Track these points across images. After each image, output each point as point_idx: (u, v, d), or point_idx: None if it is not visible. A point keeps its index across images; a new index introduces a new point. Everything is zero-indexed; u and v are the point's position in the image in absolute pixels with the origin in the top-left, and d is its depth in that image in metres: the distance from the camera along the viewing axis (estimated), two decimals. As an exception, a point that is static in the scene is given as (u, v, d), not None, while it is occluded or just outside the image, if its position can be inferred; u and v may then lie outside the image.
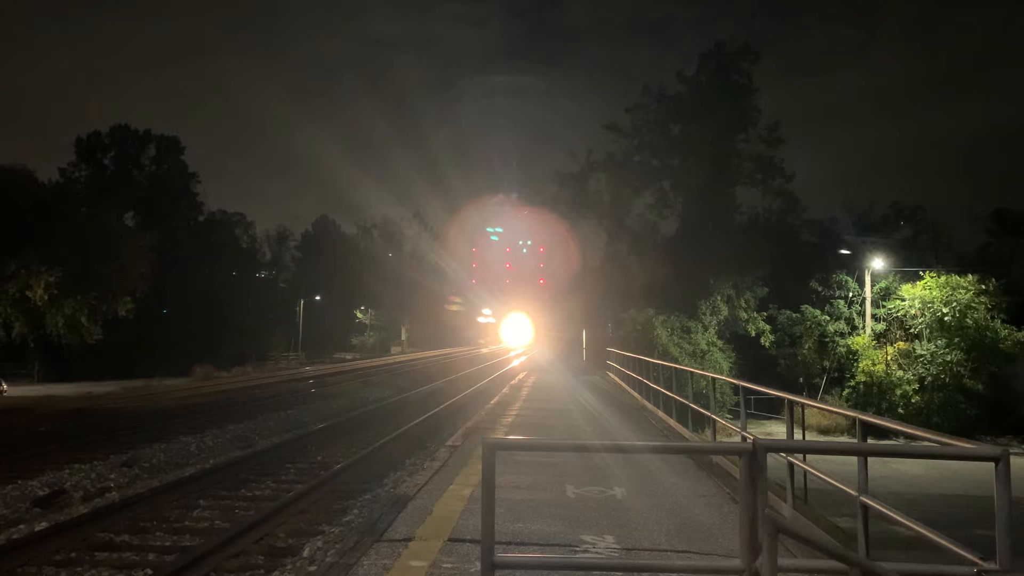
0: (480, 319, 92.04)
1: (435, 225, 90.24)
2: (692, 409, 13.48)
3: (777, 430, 28.27)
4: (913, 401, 35.08)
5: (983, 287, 35.75)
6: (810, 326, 42.06)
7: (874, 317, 40.50)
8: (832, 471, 6.18)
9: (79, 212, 46.24)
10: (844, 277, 42.80)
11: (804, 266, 45.07)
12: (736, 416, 11.11)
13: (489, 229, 67.08)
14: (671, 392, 15.70)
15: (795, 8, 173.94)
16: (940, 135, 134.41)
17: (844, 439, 25.83)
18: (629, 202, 49.86)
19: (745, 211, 48.90)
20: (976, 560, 3.82)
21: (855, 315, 42.17)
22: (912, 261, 42.59)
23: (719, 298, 42.28)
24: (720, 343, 41.62)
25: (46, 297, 39.05)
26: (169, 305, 52.65)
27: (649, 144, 48.68)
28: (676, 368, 16.60)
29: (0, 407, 22.54)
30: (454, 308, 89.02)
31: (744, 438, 8.89)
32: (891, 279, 41.13)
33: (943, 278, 36.53)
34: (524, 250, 61.09)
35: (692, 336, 40.54)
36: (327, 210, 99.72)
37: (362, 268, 78.47)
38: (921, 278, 37.49)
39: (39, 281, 38.65)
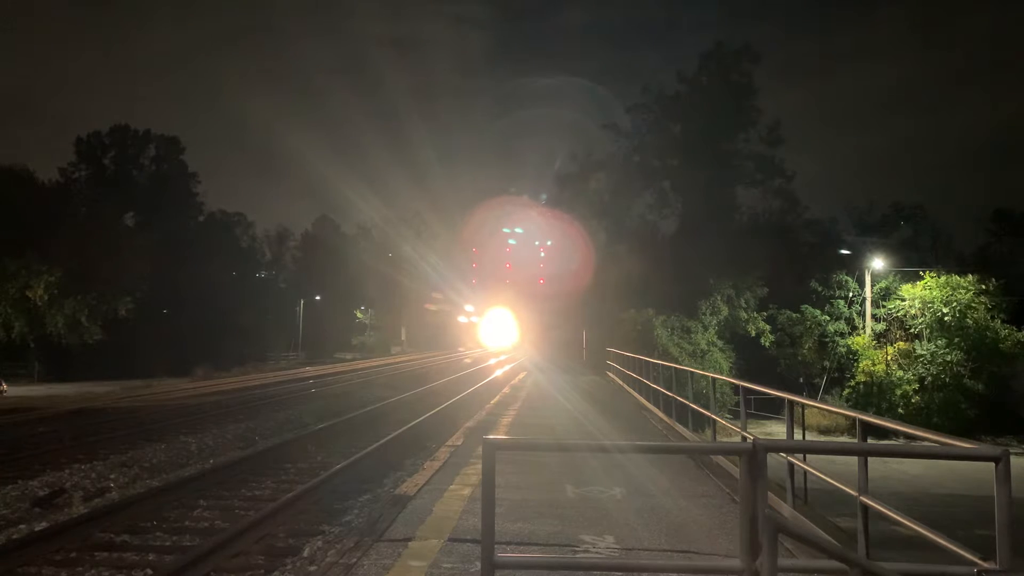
0: (461, 318, 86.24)
1: (434, 225, 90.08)
2: (692, 409, 13.47)
3: (777, 430, 28.26)
4: (913, 401, 35.09)
5: (983, 287, 35.77)
6: (810, 326, 42.06)
7: (874, 317, 40.50)
8: (832, 471, 6.18)
9: (79, 212, 46.40)
10: (844, 277, 42.81)
11: (804, 266, 45.08)
12: (736, 416, 11.11)
13: (506, 229, 66.03)
14: (671, 392, 15.69)
15: (795, 9, 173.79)
16: (941, 135, 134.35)
17: (844, 439, 25.83)
18: (629, 202, 49.91)
19: (745, 211, 48.99)
20: (976, 560, 3.82)
21: (855, 315, 42.17)
22: (912, 261, 42.63)
23: (719, 298, 42.27)
24: (720, 343, 41.62)
25: (46, 297, 39.14)
26: (169, 305, 52.64)
27: (649, 144, 48.71)
28: (676, 368, 16.58)
29: (0, 407, 22.55)
30: (436, 307, 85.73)
31: (744, 438, 8.89)
32: (891, 279, 41.13)
33: (943, 278, 36.54)
34: (542, 253, 60.41)
35: (692, 336, 40.53)
36: (327, 210, 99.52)
37: (361, 268, 78.39)
38: (921, 278, 37.49)
39: (39, 281, 38.73)
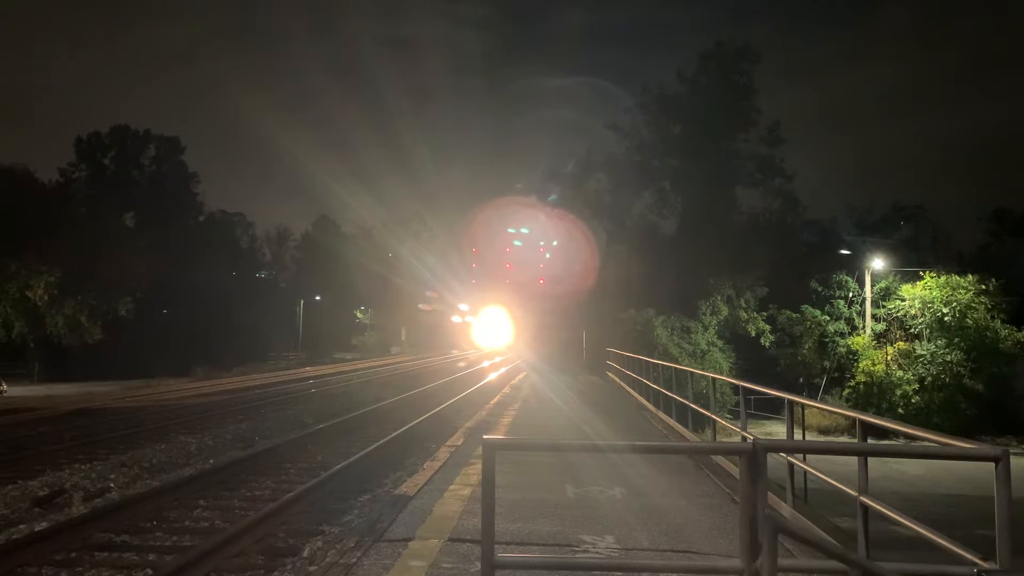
0: (455, 318, 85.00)
1: (433, 226, 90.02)
2: (692, 409, 13.48)
3: (777, 430, 28.26)
4: (913, 401, 35.09)
5: (983, 287, 35.78)
6: (810, 326, 42.08)
7: (874, 317, 40.52)
8: (832, 471, 6.18)
9: (79, 212, 46.36)
10: (844, 277, 42.83)
11: (804, 266, 45.10)
12: (736, 416, 11.11)
13: (511, 230, 65.43)
14: (671, 392, 15.70)
15: (795, 9, 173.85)
16: (941, 135, 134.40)
17: (844, 439, 25.84)
18: (629, 202, 49.94)
19: (745, 211, 49.00)
20: (976, 560, 3.82)
21: (855, 315, 42.19)
22: (912, 261, 42.62)
23: (719, 298, 42.29)
24: (720, 343, 41.65)
25: (46, 297, 39.13)
26: (169, 305, 52.62)
27: (649, 144, 48.74)
28: (676, 368, 16.60)
29: (0, 407, 22.54)
30: (431, 307, 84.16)
31: (744, 438, 8.89)
32: (891, 279, 41.15)
33: (943, 278, 36.55)
34: (547, 254, 59.89)
35: (692, 336, 40.56)
36: (327, 211, 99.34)
37: (361, 269, 78.36)
38: (921, 278, 37.50)
39: (39, 281, 38.72)
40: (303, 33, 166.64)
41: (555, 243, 57.33)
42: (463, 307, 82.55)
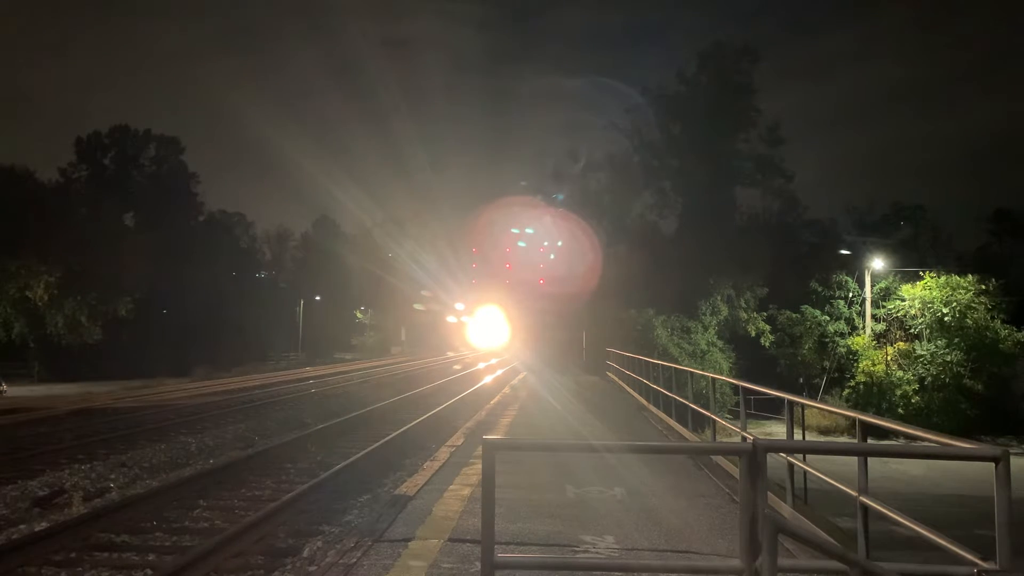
0: (450, 318, 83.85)
1: (432, 226, 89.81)
2: (692, 409, 13.47)
3: (777, 430, 28.26)
4: (913, 401, 35.10)
5: (983, 287, 35.79)
6: (810, 326, 42.08)
7: (874, 317, 40.51)
8: (832, 471, 6.18)
9: (79, 212, 46.36)
10: (844, 277, 42.83)
11: (804, 266, 45.12)
12: (736, 416, 11.11)
13: (515, 230, 64.88)
14: (671, 392, 15.69)
15: (796, 8, 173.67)
16: (941, 135, 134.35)
17: (844, 439, 25.84)
18: (629, 202, 49.97)
19: (745, 211, 49.07)
20: (976, 560, 3.82)
21: (855, 315, 42.18)
22: (912, 261, 42.65)
23: (719, 298, 42.29)
24: (720, 343, 41.65)
25: (46, 297, 39.15)
26: (169, 305, 52.58)
27: (649, 144, 48.78)
28: (676, 368, 16.59)
29: (0, 407, 22.54)
30: (425, 307, 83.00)
31: (744, 438, 8.89)
32: (891, 279, 41.15)
33: (943, 278, 36.56)
34: (552, 255, 59.38)
35: (692, 336, 40.56)
36: (327, 211, 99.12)
37: (361, 269, 78.30)
38: (921, 278, 37.50)
39: (39, 281, 38.75)
40: (302, 32, 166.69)
41: (560, 243, 57.11)
42: (459, 307, 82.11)
